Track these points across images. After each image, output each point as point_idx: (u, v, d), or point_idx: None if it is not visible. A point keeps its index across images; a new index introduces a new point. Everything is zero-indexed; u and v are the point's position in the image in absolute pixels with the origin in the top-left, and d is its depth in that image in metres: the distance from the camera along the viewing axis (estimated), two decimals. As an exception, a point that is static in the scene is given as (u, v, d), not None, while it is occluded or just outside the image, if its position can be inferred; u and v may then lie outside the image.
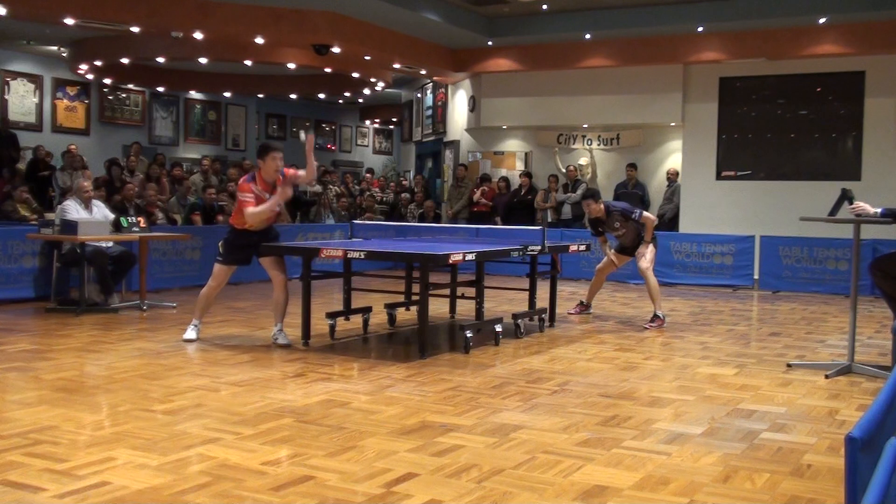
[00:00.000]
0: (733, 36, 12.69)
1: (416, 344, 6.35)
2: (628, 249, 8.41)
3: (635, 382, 5.39)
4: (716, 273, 11.85)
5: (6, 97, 15.54)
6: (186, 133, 18.99)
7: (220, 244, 6.64)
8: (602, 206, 8.21)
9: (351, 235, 8.29)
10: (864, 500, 1.45)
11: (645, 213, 8.21)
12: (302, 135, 6.45)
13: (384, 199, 15.53)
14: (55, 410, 4.41)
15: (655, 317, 8.01)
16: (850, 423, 4.40)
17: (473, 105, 15.17)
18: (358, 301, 7.38)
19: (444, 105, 16.66)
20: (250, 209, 6.33)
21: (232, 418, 4.32)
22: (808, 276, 11.39)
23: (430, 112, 17.61)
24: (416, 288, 7.15)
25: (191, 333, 6.66)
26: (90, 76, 16.13)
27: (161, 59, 14.57)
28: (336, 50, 12.54)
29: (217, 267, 6.65)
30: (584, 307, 8.79)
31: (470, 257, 6.29)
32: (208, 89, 18.19)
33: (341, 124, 23.46)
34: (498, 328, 6.78)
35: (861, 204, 5.53)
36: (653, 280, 8.06)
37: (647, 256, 8.09)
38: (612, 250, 8.44)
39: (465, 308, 8.27)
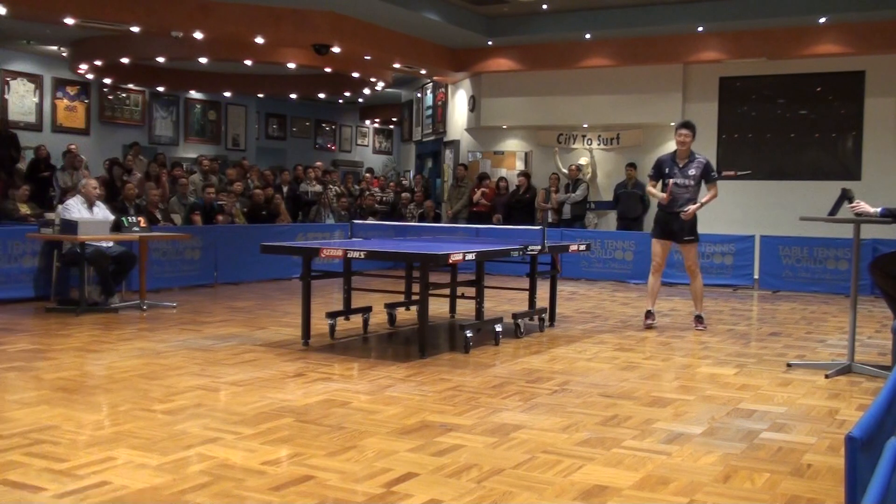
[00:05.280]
0: (733, 36, 12.70)
1: (416, 344, 6.35)
2: (674, 233, 7.64)
3: (635, 382, 5.39)
4: (716, 273, 11.83)
5: (6, 97, 15.53)
6: (186, 133, 18.98)
7: None
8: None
9: (351, 235, 8.29)
10: (864, 500, 1.45)
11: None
12: None
13: (384, 198, 15.53)
14: (55, 410, 4.41)
15: (700, 318, 7.78)
16: (850, 422, 4.40)
17: (473, 105, 15.17)
18: (358, 301, 7.38)
19: (444, 105, 16.65)
20: None
21: (232, 418, 4.31)
22: (808, 275, 11.38)
23: (430, 112, 17.61)
24: (416, 288, 7.14)
25: None
26: (90, 76, 16.14)
27: (161, 59, 14.58)
28: (336, 50, 12.54)
29: None
30: (652, 316, 7.90)
31: (470, 257, 6.28)
32: (208, 89, 18.19)
33: (341, 124, 23.45)
34: (498, 328, 6.78)
35: (861, 203, 5.53)
36: (701, 279, 7.72)
37: (694, 252, 7.61)
38: (653, 236, 7.79)
39: (465, 308, 8.27)
